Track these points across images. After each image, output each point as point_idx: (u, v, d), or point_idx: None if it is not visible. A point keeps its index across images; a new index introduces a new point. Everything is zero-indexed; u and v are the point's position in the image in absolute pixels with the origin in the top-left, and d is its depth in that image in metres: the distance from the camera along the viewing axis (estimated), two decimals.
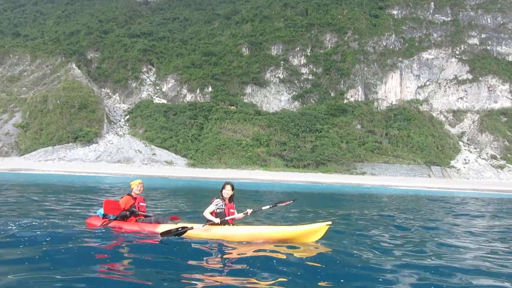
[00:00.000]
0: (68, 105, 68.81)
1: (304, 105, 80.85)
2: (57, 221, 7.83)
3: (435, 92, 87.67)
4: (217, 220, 6.51)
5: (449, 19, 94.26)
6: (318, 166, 64.96)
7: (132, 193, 7.62)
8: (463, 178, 69.25)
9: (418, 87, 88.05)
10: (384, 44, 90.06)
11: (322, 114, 76.12)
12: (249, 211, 6.73)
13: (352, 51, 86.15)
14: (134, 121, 75.06)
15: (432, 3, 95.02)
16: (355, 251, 5.88)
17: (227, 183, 7.00)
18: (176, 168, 59.20)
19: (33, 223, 7.27)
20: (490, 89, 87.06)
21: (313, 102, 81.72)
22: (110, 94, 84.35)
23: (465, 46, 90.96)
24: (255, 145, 68.16)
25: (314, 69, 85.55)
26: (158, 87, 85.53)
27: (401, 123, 77.15)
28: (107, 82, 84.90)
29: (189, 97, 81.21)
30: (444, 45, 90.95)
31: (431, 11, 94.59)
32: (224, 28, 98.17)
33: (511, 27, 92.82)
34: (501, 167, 72.99)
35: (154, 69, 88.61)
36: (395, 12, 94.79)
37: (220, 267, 4.97)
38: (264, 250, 5.63)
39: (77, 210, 10.10)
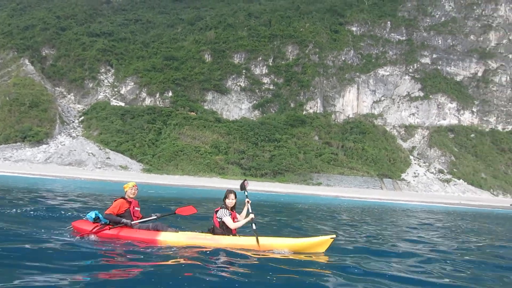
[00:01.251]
0: (18, 103, 65.41)
1: (264, 115, 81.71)
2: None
3: (389, 108, 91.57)
4: (252, 215, 6.62)
5: (404, 38, 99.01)
6: (275, 175, 65.64)
7: (126, 197, 7.06)
8: (413, 190, 72.45)
9: (374, 102, 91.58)
10: (343, 58, 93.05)
11: (282, 124, 77.22)
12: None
13: (312, 63, 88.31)
14: (89, 123, 72.52)
15: (389, 22, 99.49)
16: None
17: (231, 191, 6.87)
18: (130, 173, 57.69)
19: None
20: (439, 106, 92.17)
21: (273, 112, 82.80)
22: (65, 93, 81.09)
23: (418, 65, 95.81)
24: (213, 152, 67.89)
25: (275, 80, 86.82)
26: (116, 89, 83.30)
27: (356, 136, 79.75)
28: (62, 81, 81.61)
29: (148, 101, 79.72)
30: (399, 62, 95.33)
31: (388, 30, 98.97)
32: (187, 34, 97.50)
33: (459, 49, 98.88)
34: (447, 181, 77.11)
35: (112, 70, 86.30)
36: (354, 28, 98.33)
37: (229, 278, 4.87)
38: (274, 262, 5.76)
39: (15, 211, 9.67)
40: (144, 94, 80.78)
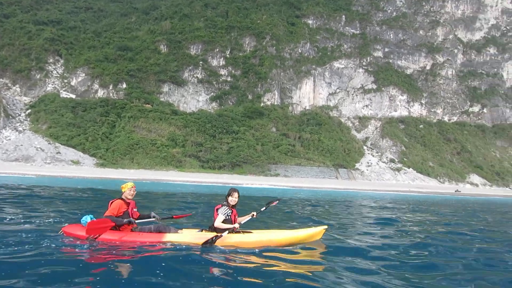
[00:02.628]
0: None
1: (222, 107, 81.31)
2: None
3: (344, 100, 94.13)
4: (236, 225, 6.50)
5: (358, 32, 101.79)
6: (233, 167, 65.70)
7: (124, 197, 6.68)
8: (366, 179, 75.19)
9: (329, 94, 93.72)
10: (300, 51, 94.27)
11: (239, 116, 77.23)
12: (254, 213, 6.86)
13: (270, 56, 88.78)
14: (37, 116, 68.81)
15: (343, 16, 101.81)
16: None
17: (234, 190, 6.83)
18: (83, 168, 55.55)
19: None
20: (391, 98, 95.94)
21: (231, 104, 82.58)
22: (9, 85, 76.24)
23: (371, 58, 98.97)
24: (170, 145, 66.77)
25: (233, 71, 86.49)
26: (66, 81, 79.47)
27: (313, 127, 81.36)
28: (6, 72, 76.59)
29: (100, 93, 76.80)
30: (353, 56, 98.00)
31: (342, 24, 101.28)
32: (141, 23, 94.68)
33: (409, 43, 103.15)
34: (398, 169, 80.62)
35: (62, 61, 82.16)
36: (310, 21, 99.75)
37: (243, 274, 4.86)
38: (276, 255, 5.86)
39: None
40: (96, 86, 77.70)
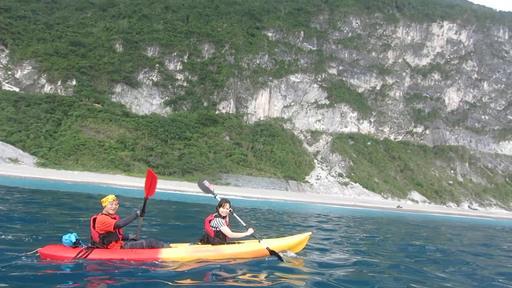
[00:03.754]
0: None
1: (176, 112, 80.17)
2: None
3: (298, 113, 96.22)
4: (250, 231, 6.60)
5: (315, 48, 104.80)
6: (184, 174, 64.73)
7: (105, 212, 6.08)
8: (315, 192, 76.98)
9: (284, 107, 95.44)
10: (258, 62, 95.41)
11: (193, 123, 76.49)
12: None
13: (228, 64, 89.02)
14: None
15: (302, 32, 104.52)
16: None
17: (226, 201, 6.75)
18: (21, 167, 52.25)
19: None
20: (342, 115, 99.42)
21: (186, 109, 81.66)
22: None
23: (326, 75, 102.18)
24: (119, 148, 64.62)
25: (190, 77, 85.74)
26: (10, 72, 74.80)
27: (266, 138, 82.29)
28: None
29: (47, 88, 73.01)
30: (309, 71, 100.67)
31: (301, 39, 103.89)
32: (97, 20, 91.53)
33: (362, 63, 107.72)
34: (346, 184, 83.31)
35: (7, 51, 77.30)
36: (270, 34, 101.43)
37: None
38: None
39: None
40: (43, 80, 73.80)
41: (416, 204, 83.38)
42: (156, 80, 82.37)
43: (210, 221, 6.61)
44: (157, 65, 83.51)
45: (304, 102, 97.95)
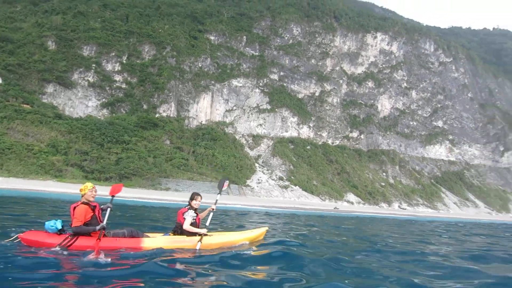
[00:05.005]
0: None
1: (114, 114, 77.24)
2: None
3: (239, 117, 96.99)
4: (204, 230, 7.00)
5: (257, 53, 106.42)
6: (121, 179, 62.41)
7: (85, 200, 6.08)
8: (256, 196, 78.02)
9: (226, 111, 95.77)
10: (200, 65, 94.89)
11: (132, 126, 74.18)
12: (213, 207, 7.61)
13: (169, 66, 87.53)
14: None
15: (245, 37, 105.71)
16: None
17: (198, 194, 7.45)
18: None
19: None
20: (283, 119, 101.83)
21: (124, 112, 78.96)
22: None
23: (267, 80, 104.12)
24: (50, 152, 60.83)
25: (129, 78, 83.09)
26: None
27: (208, 142, 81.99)
28: None
29: None
30: (251, 76, 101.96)
31: (243, 44, 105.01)
32: (28, 14, 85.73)
33: (302, 70, 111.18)
34: (286, 187, 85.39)
35: None
36: (212, 37, 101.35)
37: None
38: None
39: None
40: None
41: (351, 205, 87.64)
42: (92, 81, 78.78)
43: (183, 213, 7.12)
44: (94, 65, 79.95)
45: (246, 107, 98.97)
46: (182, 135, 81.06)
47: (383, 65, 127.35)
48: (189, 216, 7.02)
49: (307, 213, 46.96)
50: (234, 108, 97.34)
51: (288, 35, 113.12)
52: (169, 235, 7.11)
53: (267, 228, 8.27)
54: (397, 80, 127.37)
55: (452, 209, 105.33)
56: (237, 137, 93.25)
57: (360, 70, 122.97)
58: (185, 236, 6.96)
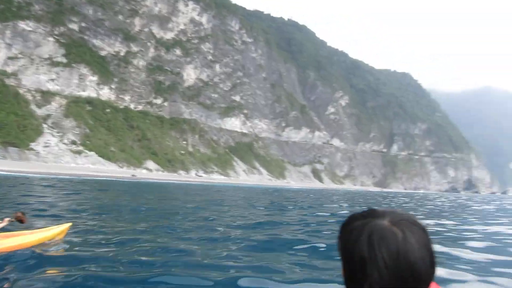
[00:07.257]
0: None
1: None
2: None
3: (26, 68, 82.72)
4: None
5: None
6: None
7: None
8: (42, 161, 69.39)
9: (8, 58, 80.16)
10: None
11: None
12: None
13: None
14: None
15: None
16: None
17: None
18: None
19: None
20: (81, 77, 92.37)
21: None
22: None
23: (65, 29, 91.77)
24: None
25: None
26: None
27: None
28: None
29: None
30: (44, 21, 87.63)
31: None
32: None
33: (107, 24, 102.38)
34: (79, 152, 78.91)
35: None
36: None
37: None
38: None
39: None
40: None
41: (150, 173, 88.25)
42: None
43: None
44: None
45: (35, 56, 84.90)
46: None
47: (192, 35, 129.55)
48: None
49: (104, 181, 45.35)
50: (20, 56, 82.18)
51: None
52: None
53: (71, 223, 7.65)
54: (203, 51, 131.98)
55: (241, 176, 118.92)
56: (21, 91, 79.40)
57: (169, 35, 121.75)
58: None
